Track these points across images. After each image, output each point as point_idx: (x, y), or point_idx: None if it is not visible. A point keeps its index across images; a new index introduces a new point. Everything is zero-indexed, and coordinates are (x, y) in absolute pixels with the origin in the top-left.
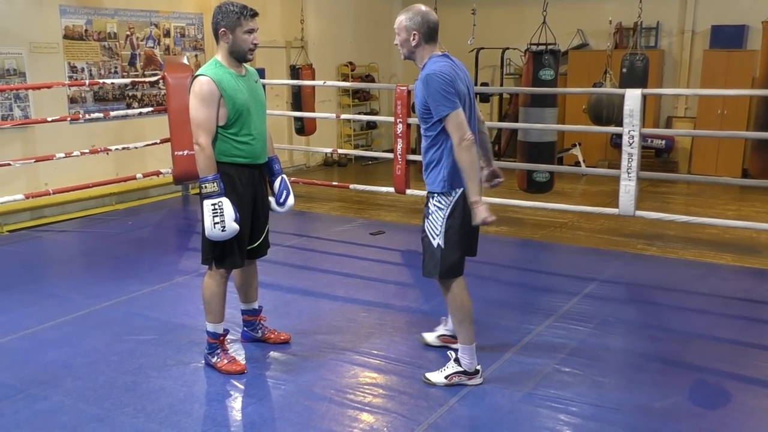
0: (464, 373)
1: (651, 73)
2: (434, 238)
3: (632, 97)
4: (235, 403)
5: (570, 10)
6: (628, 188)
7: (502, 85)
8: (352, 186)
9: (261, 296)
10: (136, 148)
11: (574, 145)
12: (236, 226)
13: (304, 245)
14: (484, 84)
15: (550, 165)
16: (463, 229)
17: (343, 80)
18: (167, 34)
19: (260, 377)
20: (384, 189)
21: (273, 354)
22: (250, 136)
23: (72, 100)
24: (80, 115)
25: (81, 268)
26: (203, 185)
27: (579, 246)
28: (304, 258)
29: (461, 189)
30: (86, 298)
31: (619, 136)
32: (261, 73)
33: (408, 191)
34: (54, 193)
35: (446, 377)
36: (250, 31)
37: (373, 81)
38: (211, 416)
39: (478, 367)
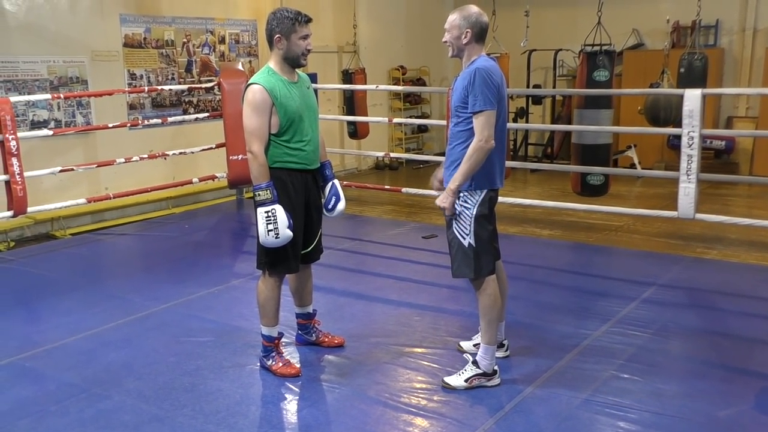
0: (483, 374)
1: (710, 73)
2: (464, 238)
3: (692, 98)
4: (290, 406)
5: (625, 10)
6: (687, 190)
7: (554, 86)
8: (404, 189)
9: (314, 299)
10: (192, 152)
11: (629, 147)
12: (290, 233)
13: (356, 249)
14: (536, 86)
15: (604, 167)
16: (491, 226)
17: (395, 84)
18: (222, 40)
19: (315, 380)
20: (436, 192)
21: (327, 357)
22: (302, 142)
23: (131, 107)
24: (139, 121)
25: (140, 270)
26: (257, 193)
27: (635, 249)
28: (357, 261)
29: (483, 191)
30: (145, 300)
31: (677, 137)
32: (313, 78)
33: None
34: (114, 197)
35: (466, 380)
36: (305, 37)
37: (424, 84)
38: (267, 418)
39: (496, 368)
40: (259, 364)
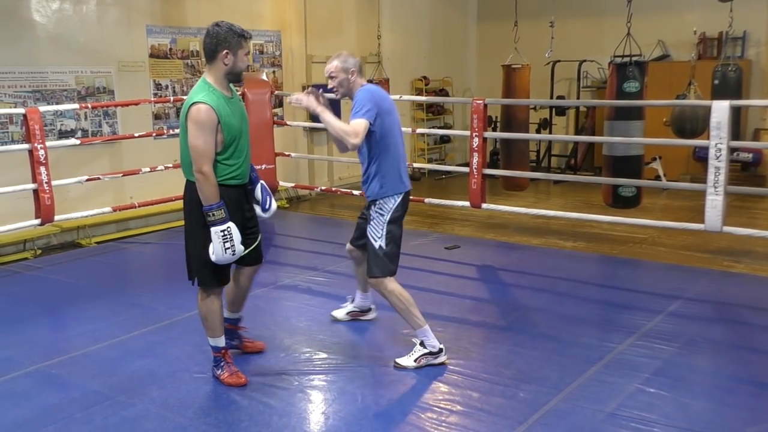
0: (430, 353)
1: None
2: (376, 241)
3: (720, 109)
4: (313, 416)
5: (650, 21)
6: (714, 203)
7: (578, 98)
8: (427, 200)
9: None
10: None
11: (654, 159)
12: (242, 248)
13: None
14: (560, 97)
15: (630, 179)
16: (400, 232)
17: (417, 94)
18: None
19: (337, 391)
20: (459, 203)
21: (350, 367)
22: (240, 158)
23: (156, 116)
24: (164, 131)
25: (164, 279)
26: (211, 213)
27: (661, 262)
28: None
29: (399, 195)
30: (169, 308)
31: (703, 149)
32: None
33: (483, 205)
34: (139, 206)
35: (415, 360)
36: (248, 53)
37: (447, 95)
38: (291, 428)
39: (441, 346)
40: (211, 374)
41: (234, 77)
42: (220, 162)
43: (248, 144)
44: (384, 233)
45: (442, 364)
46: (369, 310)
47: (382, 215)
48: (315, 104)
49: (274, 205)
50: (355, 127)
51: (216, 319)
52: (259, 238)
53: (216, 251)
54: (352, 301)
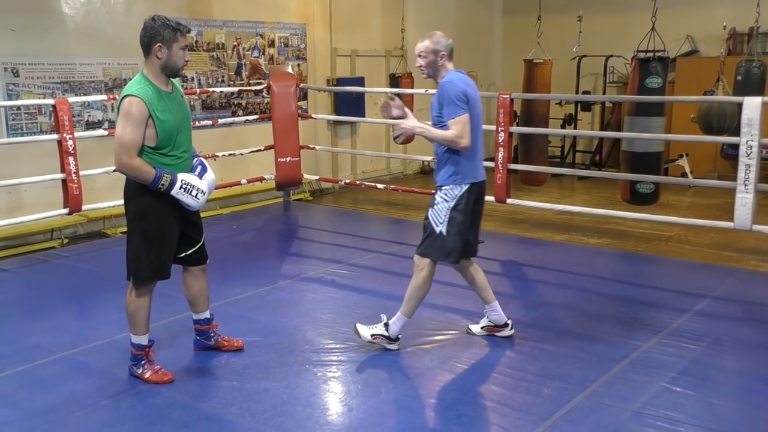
0: (388, 338)
1: None
2: (437, 225)
3: (751, 106)
4: (336, 408)
5: (679, 16)
6: (744, 201)
7: (604, 93)
8: None
9: (360, 303)
10: (241, 154)
11: (681, 156)
12: (211, 177)
13: (402, 253)
14: (585, 92)
15: (655, 176)
16: (464, 221)
17: None
18: (272, 44)
19: (362, 383)
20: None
21: (373, 361)
22: (177, 153)
23: None
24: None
25: None
26: (159, 185)
27: (687, 260)
28: (403, 266)
29: (467, 185)
30: None
31: (731, 146)
32: (360, 81)
33: (508, 200)
34: None
35: (372, 335)
36: (185, 48)
37: None
38: (314, 419)
39: (399, 336)
40: (128, 372)
41: (170, 72)
42: (155, 155)
43: (189, 140)
44: (447, 219)
45: (396, 351)
46: (505, 326)
47: (446, 201)
48: (412, 126)
49: (209, 176)
50: (458, 130)
51: (143, 316)
52: (202, 239)
53: (190, 204)
54: (489, 315)
